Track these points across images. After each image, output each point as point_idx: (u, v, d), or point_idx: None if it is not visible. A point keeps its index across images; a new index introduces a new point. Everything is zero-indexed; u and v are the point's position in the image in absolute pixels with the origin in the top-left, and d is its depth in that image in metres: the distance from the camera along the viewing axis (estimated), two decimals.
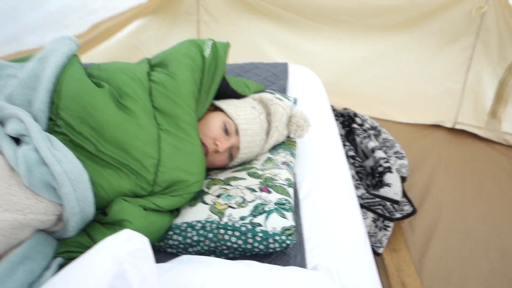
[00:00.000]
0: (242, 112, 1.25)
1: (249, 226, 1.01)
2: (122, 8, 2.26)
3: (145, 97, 1.09)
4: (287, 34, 2.79)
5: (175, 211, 1.11)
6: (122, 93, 1.07)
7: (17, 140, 0.97)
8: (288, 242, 1.01)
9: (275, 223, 1.02)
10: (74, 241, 0.98)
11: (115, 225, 0.98)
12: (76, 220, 0.93)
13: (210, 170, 1.28)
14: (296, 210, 1.21)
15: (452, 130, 2.71)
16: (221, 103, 1.29)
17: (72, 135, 0.99)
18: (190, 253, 1.07)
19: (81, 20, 2.03)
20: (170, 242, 1.06)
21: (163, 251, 1.09)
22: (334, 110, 2.41)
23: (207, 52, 1.23)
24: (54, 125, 1.01)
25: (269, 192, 1.11)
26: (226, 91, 1.37)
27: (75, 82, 1.04)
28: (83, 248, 0.95)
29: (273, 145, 1.34)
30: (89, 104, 1.00)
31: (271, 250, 1.02)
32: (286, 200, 1.09)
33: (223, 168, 1.28)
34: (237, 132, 1.22)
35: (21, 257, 0.88)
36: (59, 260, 0.95)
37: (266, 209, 1.04)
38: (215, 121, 1.21)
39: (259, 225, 1.01)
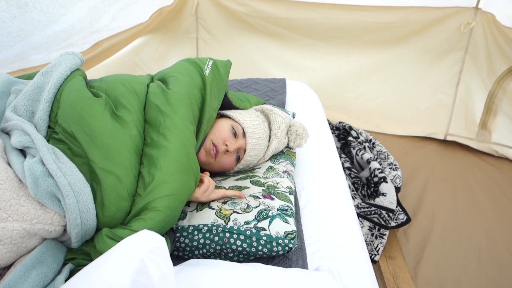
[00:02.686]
0: (248, 118, 1.33)
1: (254, 230, 1.06)
2: (124, 27, 2.34)
3: (139, 110, 1.13)
4: (284, 50, 2.88)
5: (168, 240, 1.06)
6: (118, 103, 1.12)
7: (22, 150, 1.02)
8: (290, 245, 1.06)
9: (278, 228, 1.07)
10: (80, 249, 1.01)
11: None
12: (77, 232, 0.96)
13: (216, 176, 1.34)
14: (297, 217, 1.26)
15: (444, 143, 2.78)
16: (227, 112, 1.38)
17: (70, 143, 1.03)
18: (196, 255, 1.11)
19: (85, 39, 2.10)
20: (177, 244, 1.11)
21: (170, 254, 1.13)
22: (330, 123, 2.49)
23: (207, 71, 1.29)
24: (53, 132, 1.06)
25: (272, 199, 1.16)
26: (229, 108, 1.45)
27: (74, 91, 1.09)
28: (89, 256, 0.99)
29: (273, 152, 1.40)
30: (85, 111, 1.05)
31: (274, 254, 1.07)
32: (288, 206, 1.15)
33: (226, 176, 1.34)
34: (244, 135, 1.29)
35: (34, 261, 0.92)
36: (70, 265, 0.99)
37: (270, 214, 1.10)
38: (224, 125, 1.29)
39: (263, 229, 1.06)
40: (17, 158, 0.97)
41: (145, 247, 0.68)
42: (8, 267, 0.95)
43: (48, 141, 1.04)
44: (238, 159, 1.30)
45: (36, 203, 0.94)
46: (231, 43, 2.91)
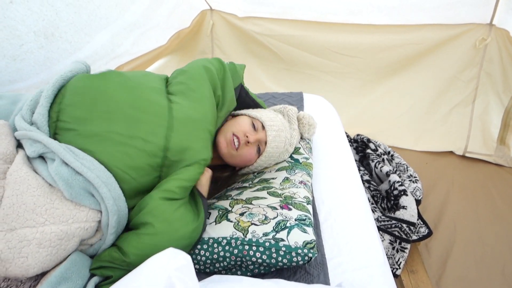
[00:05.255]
0: (263, 113, 1.42)
1: (272, 242, 1.07)
2: (144, 50, 2.42)
3: (161, 83, 1.26)
4: (296, 69, 2.92)
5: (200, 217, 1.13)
6: (140, 83, 1.21)
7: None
8: (310, 255, 1.05)
9: (297, 238, 1.07)
10: (107, 255, 1.03)
11: (139, 228, 1.05)
12: (116, 219, 1.03)
13: (233, 190, 1.37)
14: (317, 232, 1.27)
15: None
16: (242, 111, 1.47)
17: (81, 126, 1.07)
18: (217, 268, 1.12)
19: (107, 64, 2.18)
20: (198, 257, 1.12)
21: None
22: (347, 136, 2.50)
23: (225, 62, 1.42)
24: (60, 122, 1.08)
25: (289, 209, 1.18)
26: (246, 100, 1.55)
27: (81, 80, 1.15)
28: (115, 261, 1.02)
29: (295, 144, 1.49)
30: (99, 93, 1.12)
31: (294, 264, 1.07)
32: (306, 216, 1.16)
33: (244, 187, 1.37)
34: (263, 128, 1.37)
35: (59, 278, 0.95)
36: (94, 280, 1.01)
37: (288, 225, 1.11)
38: (243, 119, 1.37)
39: (282, 240, 1.07)
40: (42, 165, 1.02)
41: (172, 265, 0.71)
42: (35, 285, 0.97)
43: (55, 134, 1.08)
44: (259, 152, 1.37)
45: (70, 204, 0.98)
46: (245, 62, 2.94)
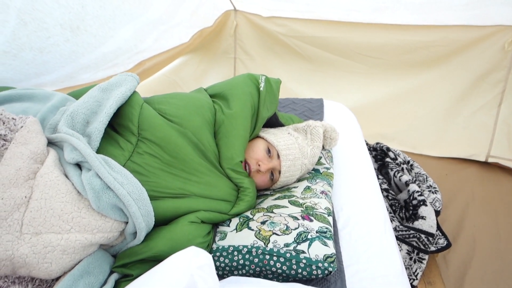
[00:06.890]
0: (281, 139, 1.37)
1: (294, 253, 1.06)
2: (166, 47, 2.43)
3: (212, 142, 1.25)
4: (319, 71, 2.90)
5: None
6: (198, 137, 1.22)
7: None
8: (330, 269, 1.05)
9: (317, 251, 1.07)
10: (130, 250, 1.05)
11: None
12: (144, 234, 1.04)
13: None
14: (335, 239, 1.26)
15: (485, 165, 2.70)
16: (261, 133, 1.43)
17: (161, 149, 1.15)
18: (235, 276, 1.11)
19: (129, 59, 2.19)
20: (217, 263, 1.12)
21: None
22: (367, 144, 2.47)
23: (262, 85, 1.38)
24: (141, 136, 1.15)
25: (310, 220, 1.16)
26: (275, 123, 1.53)
27: (153, 117, 1.18)
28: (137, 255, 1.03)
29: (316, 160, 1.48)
30: (169, 141, 1.16)
31: (314, 276, 1.06)
32: (327, 228, 1.15)
33: (264, 196, 1.36)
34: (278, 156, 1.33)
35: (82, 271, 0.96)
36: (115, 276, 1.03)
37: (309, 237, 1.10)
38: (259, 145, 1.34)
39: (303, 252, 1.06)
40: (74, 171, 1.02)
41: (194, 264, 0.71)
42: (56, 278, 0.98)
43: (135, 145, 1.14)
44: (273, 179, 1.34)
45: (96, 214, 0.98)
46: (268, 63, 2.95)
